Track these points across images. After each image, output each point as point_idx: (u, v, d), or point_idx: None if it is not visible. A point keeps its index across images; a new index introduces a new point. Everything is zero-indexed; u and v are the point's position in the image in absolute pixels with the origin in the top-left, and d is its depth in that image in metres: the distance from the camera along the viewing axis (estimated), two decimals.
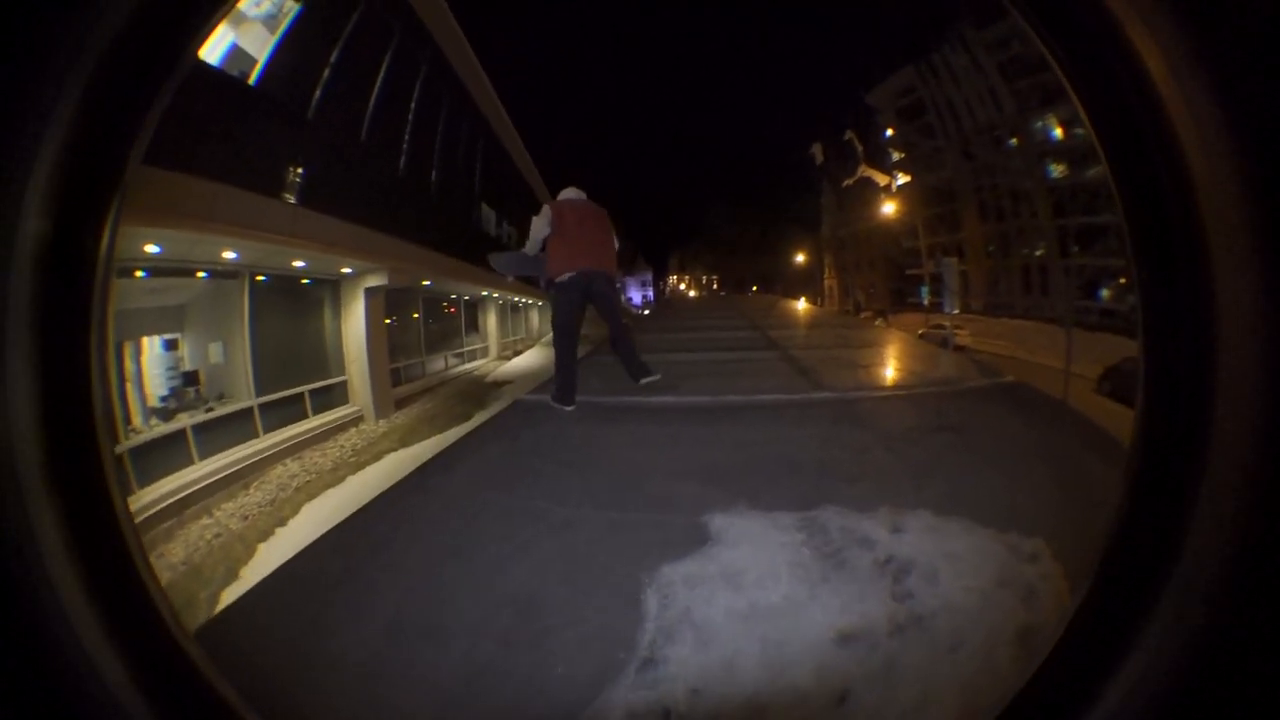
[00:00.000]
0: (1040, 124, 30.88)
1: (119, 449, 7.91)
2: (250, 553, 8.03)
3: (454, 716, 1.59)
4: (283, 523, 8.95)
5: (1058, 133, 30.34)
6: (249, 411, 10.48)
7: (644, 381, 4.67)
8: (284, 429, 11.26)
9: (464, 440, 4.21)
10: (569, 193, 4.58)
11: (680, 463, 3.33)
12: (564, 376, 4.41)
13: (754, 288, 55.78)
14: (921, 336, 22.63)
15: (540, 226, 4.35)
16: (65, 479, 0.70)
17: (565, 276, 4.25)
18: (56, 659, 0.66)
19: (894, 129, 45.24)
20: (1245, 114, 0.57)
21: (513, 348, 28.44)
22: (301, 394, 11.94)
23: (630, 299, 54.11)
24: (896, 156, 45.39)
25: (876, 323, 29.89)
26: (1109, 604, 0.72)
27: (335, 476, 10.67)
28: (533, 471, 3.34)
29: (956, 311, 24.00)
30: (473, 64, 22.24)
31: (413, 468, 3.56)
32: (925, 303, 36.34)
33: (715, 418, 4.29)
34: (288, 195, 10.15)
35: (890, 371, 6.49)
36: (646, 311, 43.00)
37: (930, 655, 1.72)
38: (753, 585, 2.03)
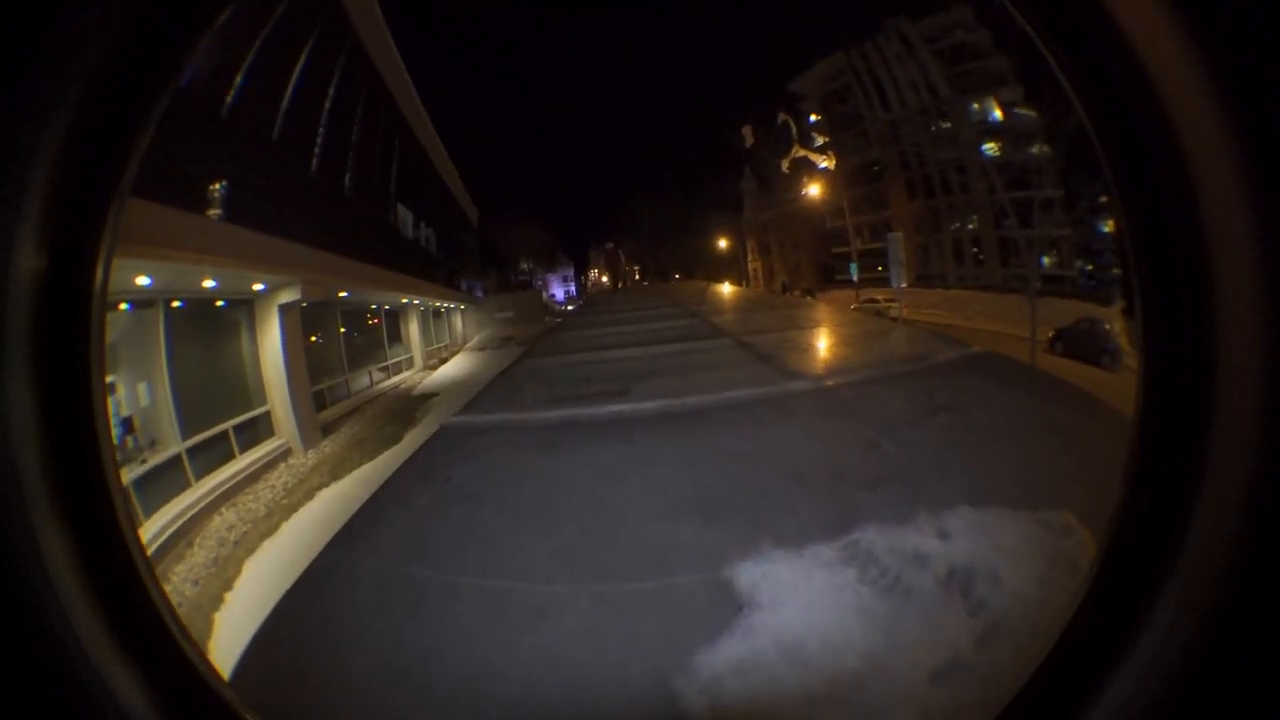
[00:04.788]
0: (978, 106, 32.59)
1: None
2: (209, 625, 7.33)
3: None
4: (229, 586, 8.25)
5: (998, 114, 32.29)
6: (178, 459, 9.38)
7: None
8: (215, 473, 10.14)
9: (390, 484, 3.26)
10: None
11: (660, 494, 2.50)
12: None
13: (676, 275, 56.38)
14: (855, 310, 23.10)
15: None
16: (72, 506, 0.70)
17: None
18: (68, 681, 0.66)
19: (819, 114, 46.36)
20: (1246, 114, 0.56)
21: (438, 356, 26.85)
22: (226, 431, 10.83)
23: (553, 295, 57.05)
24: (821, 140, 46.55)
25: (806, 300, 30.61)
26: (1108, 605, 0.70)
27: (270, 524, 9.81)
28: (477, 531, 2.39)
29: (905, 285, 24.13)
30: (390, 50, 20.87)
31: (343, 504, 2.99)
32: (854, 279, 37.70)
33: (683, 425, 3.50)
34: (211, 209, 9.02)
35: (853, 351, 6.05)
36: (570, 307, 42.43)
37: (1021, 659, 1.50)
38: (822, 650, 1.62)
